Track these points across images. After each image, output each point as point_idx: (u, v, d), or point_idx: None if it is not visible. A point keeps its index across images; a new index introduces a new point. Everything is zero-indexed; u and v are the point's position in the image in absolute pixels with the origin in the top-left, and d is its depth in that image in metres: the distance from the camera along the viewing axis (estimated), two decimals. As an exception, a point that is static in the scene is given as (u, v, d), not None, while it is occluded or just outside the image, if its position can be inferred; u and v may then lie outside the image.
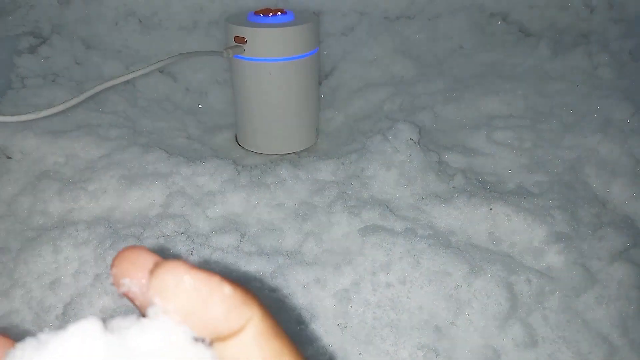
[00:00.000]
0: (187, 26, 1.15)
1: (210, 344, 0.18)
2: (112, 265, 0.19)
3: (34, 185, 0.73)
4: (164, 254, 0.60)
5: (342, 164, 0.80)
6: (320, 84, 1.08)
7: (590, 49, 0.99)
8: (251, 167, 0.81)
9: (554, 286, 0.59)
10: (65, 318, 0.56)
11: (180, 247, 0.62)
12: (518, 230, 0.65)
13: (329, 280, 0.61)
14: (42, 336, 0.17)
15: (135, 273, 0.19)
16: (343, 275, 0.61)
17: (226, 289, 0.17)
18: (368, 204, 0.70)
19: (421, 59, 1.10)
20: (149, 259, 0.19)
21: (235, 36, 0.82)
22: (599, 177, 0.73)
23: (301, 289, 0.59)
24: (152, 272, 0.17)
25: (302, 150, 0.93)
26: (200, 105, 1.06)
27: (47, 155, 0.79)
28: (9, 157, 0.79)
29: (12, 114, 0.58)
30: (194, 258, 0.62)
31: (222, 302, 0.17)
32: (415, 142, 0.79)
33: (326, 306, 0.58)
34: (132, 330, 0.17)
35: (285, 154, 0.91)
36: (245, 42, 0.82)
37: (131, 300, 0.19)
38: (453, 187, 0.73)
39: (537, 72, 0.97)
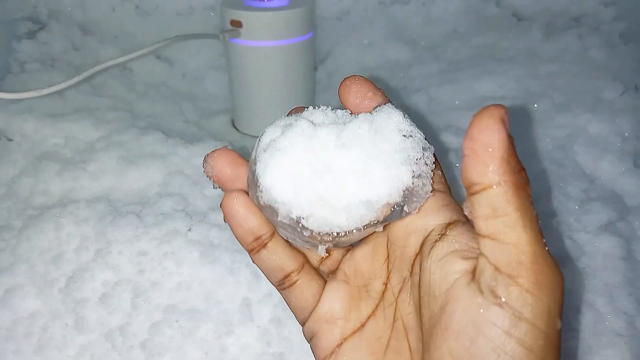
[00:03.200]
0: (183, 11, 1.16)
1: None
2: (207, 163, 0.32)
3: (34, 166, 0.75)
4: (165, 230, 0.62)
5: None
6: (316, 68, 1.09)
7: (581, 32, 1.00)
8: (248, 149, 0.83)
9: (542, 258, 0.60)
10: (68, 291, 0.58)
11: (179, 223, 0.64)
12: (508, 205, 0.66)
13: (324, 255, 0.62)
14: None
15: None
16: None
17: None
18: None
19: (416, 42, 1.12)
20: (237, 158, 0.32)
21: (231, 20, 0.84)
22: (588, 154, 0.74)
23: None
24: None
25: (298, 133, 0.94)
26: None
27: (47, 137, 0.80)
28: (10, 140, 0.81)
29: (14, 92, 0.59)
30: (192, 234, 0.63)
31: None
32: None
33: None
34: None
35: (282, 136, 0.92)
36: (241, 26, 0.83)
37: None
38: (445, 166, 0.75)
39: (529, 55, 0.98)
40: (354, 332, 0.31)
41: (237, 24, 0.83)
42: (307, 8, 0.85)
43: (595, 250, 0.61)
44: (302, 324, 0.34)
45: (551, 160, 0.74)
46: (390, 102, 0.31)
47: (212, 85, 1.08)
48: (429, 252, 0.27)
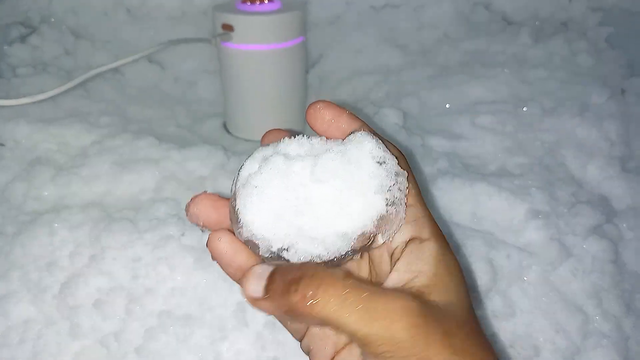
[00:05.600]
0: (176, 16, 1.16)
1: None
2: (189, 208, 0.34)
3: (27, 172, 0.75)
4: (158, 235, 0.62)
5: (330, 149, 0.82)
6: (308, 72, 1.10)
7: (569, 37, 1.01)
8: (240, 153, 0.83)
9: (532, 260, 0.62)
10: (62, 298, 0.58)
11: (173, 229, 0.64)
12: (499, 209, 0.67)
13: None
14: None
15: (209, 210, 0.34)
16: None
17: None
18: (355, 187, 0.72)
19: (407, 47, 1.13)
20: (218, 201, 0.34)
21: (223, 23, 0.84)
22: (576, 159, 0.76)
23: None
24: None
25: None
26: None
27: (40, 143, 0.80)
28: (2, 145, 0.80)
29: (5, 98, 0.59)
30: (186, 239, 0.64)
31: None
32: (400, 127, 0.81)
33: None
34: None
35: (274, 141, 0.93)
36: (232, 30, 0.84)
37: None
38: (437, 170, 0.76)
39: (518, 60, 1.00)
40: (344, 346, 0.32)
41: (228, 28, 0.84)
42: (298, 12, 0.86)
43: (584, 253, 0.62)
44: (299, 340, 0.35)
45: (540, 164, 0.75)
46: (363, 122, 0.32)
47: (205, 89, 1.08)
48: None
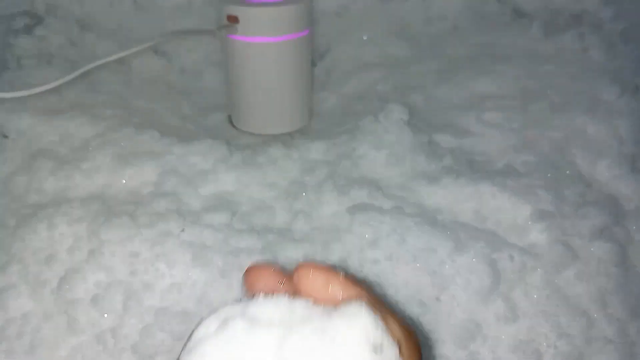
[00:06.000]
0: (182, 6, 1.15)
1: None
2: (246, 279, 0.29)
3: (29, 164, 0.74)
4: (158, 231, 0.61)
5: (334, 144, 0.81)
6: (314, 65, 1.08)
7: (581, 31, 0.99)
8: (244, 147, 0.82)
9: (536, 262, 0.60)
10: (60, 292, 0.58)
11: (173, 224, 0.64)
12: (503, 208, 0.66)
13: (318, 256, 0.62)
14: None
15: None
16: (331, 251, 0.63)
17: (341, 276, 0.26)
18: (357, 183, 0.71)
19: (415, 40, 1.11)
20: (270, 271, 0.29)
21: (228, 15, 0.83)
22: (585, 157, 0.74)
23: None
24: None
25: (294, 131, 0.93)
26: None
27: (43, 135, 0.80)
28: (5, 136, 0.80)
29: (7, 91, 0.59)
30: (185, 236, 0.63)
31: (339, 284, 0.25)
32: (405, 123, 0.80)
33: (314, 281, 0.60)
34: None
35: (278, 135, 0.92)
36: (238, 22, 0.83)
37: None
38: (442, 167, 0.74)
39: (529, 53, 0.97)
40: None
41: (234, 20, 0.83)
42: (304, 4, 0.84)
43: (590, 255, 0.61)
44: None
45: (548, 162, 0.73)
46: (363, 288, 0.26)
47: (210, 81, 1.08)
48: None
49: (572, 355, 0.56)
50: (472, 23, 1.10)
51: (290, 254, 0.62)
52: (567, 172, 0.71)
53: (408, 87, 0.96)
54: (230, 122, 0.97)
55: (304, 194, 0.71)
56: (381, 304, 0.25)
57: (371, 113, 0.82)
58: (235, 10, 0.82)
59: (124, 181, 0.73)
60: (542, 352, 0.56)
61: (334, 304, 0.24)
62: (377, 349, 0.21)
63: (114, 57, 0.74)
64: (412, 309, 0.58)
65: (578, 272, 0.60)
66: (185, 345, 0.25)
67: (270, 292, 0.25)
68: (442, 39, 1.09)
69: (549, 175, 0.70)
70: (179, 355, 0.25)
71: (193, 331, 0.25)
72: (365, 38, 1.11)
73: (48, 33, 1.02)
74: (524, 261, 0.60)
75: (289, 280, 0.27)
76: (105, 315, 0.56)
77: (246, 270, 0.29)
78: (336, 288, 0.26)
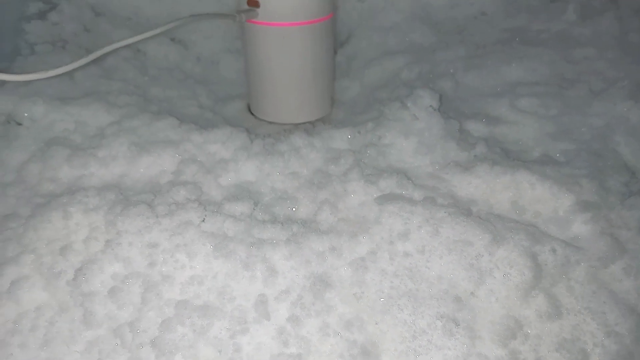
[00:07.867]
0: (198, -8, 1.12)
1: None
2: None
3: (43, 152, 0.72)
4: (177, 221, 0.58)
5: (359, 132, 0.77)
6: (336, 52, 1.05)
7: (620, 13, 0.94)
8: (264, 136, 0.79)
9: (579, 256, 0.56)
10: (76, 284, 0.55)
11: (193, 214, 0.60)
12: (543, 199, 0.62)
13: (345, 249, 0.59)
14: None
15: None
16: (359, 244, 0.59)
17: None
18: (385, 173, 0.67)
19: (441, 25, 1.06)
20: None
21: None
22: (629, 145, 0.69)
23: (316, 257, 0.57)
24: None
25: (316, 120, 0.90)
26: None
27: (57, 122, 0.77)
28: (19, 124, 0.78)
29: (18, 73, 0.56)
30: (206, 226, 0.60)
31: None
32: (435, 109, 0.76)
33: (342, 275, 0.56)
34: None
35: (300, 124, 0.89)
36: (258, 6, 0.79)
37: None
38: (474, 156, 0.70)
39: (563, 38, 0.93)
40: None
41: (254, 4, 0.79)
42: (327, -13, 0.81)
43: (639, 249, 0.57)
44: None
45: (589, 151, 0.69)
46: None
47: (228, 69, 1.04)
48: None
49: (620, 355, 0.51)
50: (501, 7, 1.05)
51: (316, 245, 0.58)
52: (610, 160, 0.67)
53: (435, 74, 0.92)
54: (250, 111, 0.93)
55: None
56: None
57: (397, 99, 0.78)
58: (256, -7, 0.79)
59: (142, 170, 0.70)
60: (589, 352, 0.52)
61: None
62: None
63: (131, 40, 0.71)
64: (447, 305, 0.54)
65: (626, 266, 0.56)
66: None
67: None
68: (469, 24, 1.05)
69: (590, 164, 0.66)
70: None
71: None
72: (388, 24, 1.07)
73: (62, 19, 1.00)
74: (567, 255, 0.56)
75: None
76: (123, 308, 0.53)
77: None
78: None
